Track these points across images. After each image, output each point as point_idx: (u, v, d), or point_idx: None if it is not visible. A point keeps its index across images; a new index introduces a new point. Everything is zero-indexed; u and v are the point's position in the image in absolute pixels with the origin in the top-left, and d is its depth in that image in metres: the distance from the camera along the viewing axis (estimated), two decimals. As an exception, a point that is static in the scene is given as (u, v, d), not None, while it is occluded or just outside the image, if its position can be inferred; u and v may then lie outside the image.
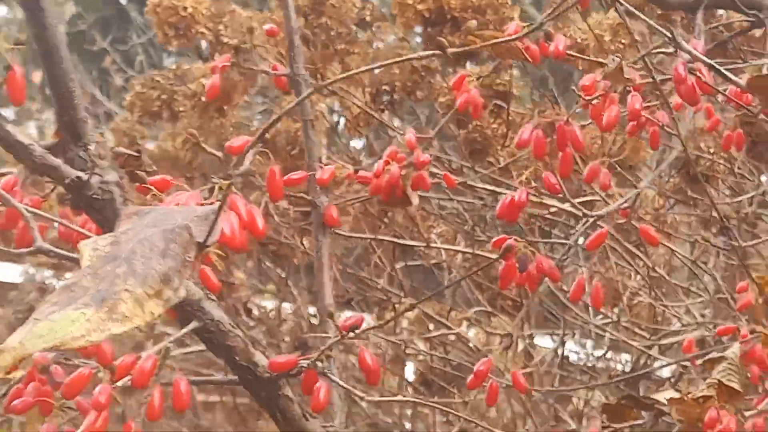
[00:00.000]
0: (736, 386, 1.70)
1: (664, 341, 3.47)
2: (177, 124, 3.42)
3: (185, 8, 3.30)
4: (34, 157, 1.29)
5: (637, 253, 3.71)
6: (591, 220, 1.69)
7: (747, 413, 1.78)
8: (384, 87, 3.82)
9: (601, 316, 3.71)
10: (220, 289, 1.42)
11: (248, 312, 3.63)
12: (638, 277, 3.77)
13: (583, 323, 3.75)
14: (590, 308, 3.84)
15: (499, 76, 3.87)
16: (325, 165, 1.67)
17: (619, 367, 3.97)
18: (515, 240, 1.62)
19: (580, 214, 1.68)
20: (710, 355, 1.84)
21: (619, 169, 3.89)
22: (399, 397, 3.29)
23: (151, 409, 1.21)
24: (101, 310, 0.87)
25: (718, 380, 1.71)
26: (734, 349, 1.76)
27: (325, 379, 1.36)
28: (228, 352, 1.38)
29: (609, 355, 3.97)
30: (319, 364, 1.34)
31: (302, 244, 3.81)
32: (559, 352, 3.83)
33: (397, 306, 4.05)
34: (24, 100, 1.25)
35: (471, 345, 3.84)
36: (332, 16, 3.66)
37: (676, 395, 1.78)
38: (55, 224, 1.43)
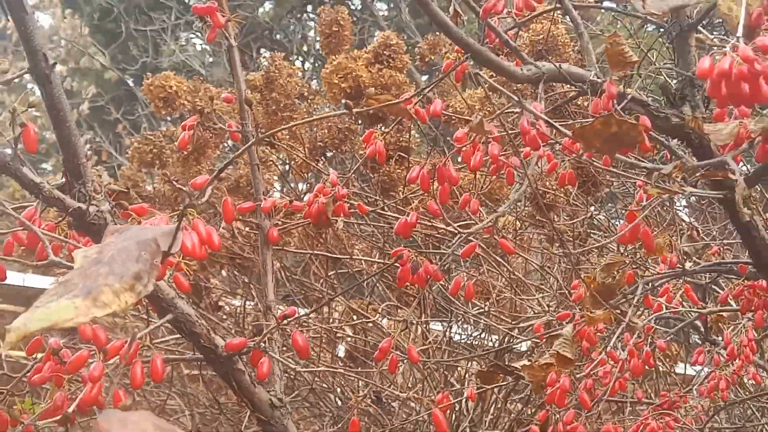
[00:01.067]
0: (569, 355, 1.68)
1: (522, 325, 3.46)
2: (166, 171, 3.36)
3: (171, 86, 3.26)
4: (44, 192, 1.24)
5: (502, 261, 3.72)
6: (464, 236, 1.66)
7: (578, 375, 1.76)
8: (319, 143, 3.79)
9: (477, 308, 3.71)
10: (190, 290, 1.37)
11: (219, 308, 3.56)
12: (503, 278, 3.78)
13: (464, 313, 3.73)
14: (469, 301, 3.86)
15: (402, 136, 3.87)
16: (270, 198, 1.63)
17: (490, 344, 3.94)
18: (408, 251, 1.59)
19: (456, 232, 1.65)
20: (548, 333, 1.82)
21: (489, 200, 3.90)
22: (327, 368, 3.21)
23: (133, 379, 1.17)
24: (87, 300, 0.85)
25: (557, 351, 1.69)
26: (568, 329, 1.74)
27: (266, 356, 1.32)
28: (195, 337, 1.34)
29: (483, 335, 3.96)
30: (261, 344, 1.30)
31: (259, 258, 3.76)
32: (447, 334, 3.80)
33: (330, 302, 4.06)
34: (36, 148, 1.20)
35: (384, 330, 3.82)
36: (280, 92, 3.62)
37: (528, 363, 1.76)
38: (66, 243, 1.38)
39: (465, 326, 4.12)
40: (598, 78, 1.67)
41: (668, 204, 2.94)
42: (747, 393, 2.89)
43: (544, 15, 2.13)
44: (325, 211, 1.83)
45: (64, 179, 1.30)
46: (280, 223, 2.17)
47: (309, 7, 12.20)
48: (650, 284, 1.96)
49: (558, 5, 1.82)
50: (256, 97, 3.70)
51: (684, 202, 5.15)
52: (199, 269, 4.03)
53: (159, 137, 3.31)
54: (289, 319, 1.29)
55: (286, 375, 3.59)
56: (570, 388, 1.66)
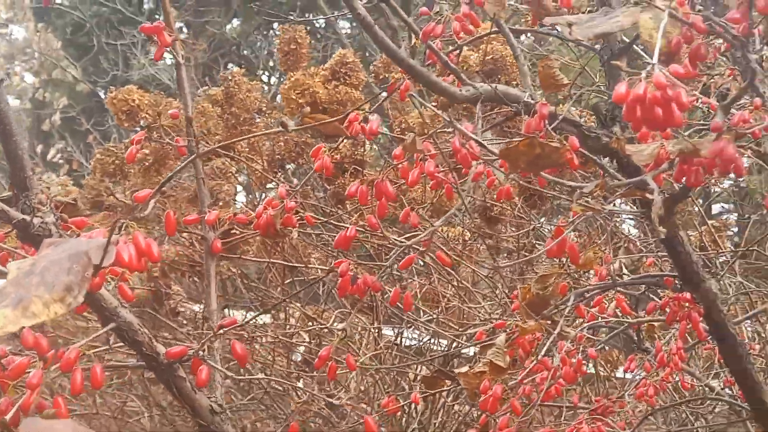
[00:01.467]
0: (501, 364, 1.69)
1: (468, 332, 3.46)
2: (127, 182, 3.34)
3: (134, 100, 3.24)
4: (-12, 204, 1.22)
5: (451, 271, 3.73)
6: (401, 248, 1.66)
7: (511, 383, 1.77)
8: (277, 156, 3.78)
9: (427, 315, 3.72)
10: (133, 299, 1.36)
11: (177, 314, 3.54)
12: (452, 287, 3.79)
13: (415, 320, 3.74)
14: (420, 309, 3.87)
15: (358, 150, 3.87)
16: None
17: (440, 348, 3.94)
18: (348, 262, 1.59)
19: (395, 244, 1.65)
20: (484, 342, 1.82)
21: (439, 212, 3.91)
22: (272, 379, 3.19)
23: (73, 386, 1.15)
24: (17, 309, 0.84)
25: (490, 360, 1.69)
26: (501, 339, 1.74)
27: (205, 364, 1.31)
28: (137, 345, 1.33)
29: (432, 341, 3.96)
30: (200, 353, 1.29)
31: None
32: (399, 339, 3.81)
33: (284, 307, 4.05)
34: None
35: (338, 334, 3.82)
36: (239, 106, 3.61)
37: (463, 371, 1.76)
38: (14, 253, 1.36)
39: (415, 332, 4.12)
40: (531, 99, 1.68)
41: (609, 217, 2.97)
42: (682, 398, 2.92)
43: (487, 37, 2.13)
44: (274, 223, 1.83)
45: (10, 192, 1.29)
46: (238, 232, 2.16)
47: (275, 25, 12.18)
48: (582, 295, 1.97)
49: (495, 30, 1.83)
50: (216, 111, 3.69)
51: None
52: (161, 276, 4.00)
53: (121, 149, 3.29)
54: (227, 328, 1.28)
55: (240, 379, 3.59)
56: (502, 395, 1.66)
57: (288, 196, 1.86)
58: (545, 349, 1.80)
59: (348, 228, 1.56)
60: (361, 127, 1.70)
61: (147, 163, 3.16)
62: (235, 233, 3.30)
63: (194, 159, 1.47)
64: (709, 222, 3.92)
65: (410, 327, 3.97)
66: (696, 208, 4.05)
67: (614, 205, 1.48)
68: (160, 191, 1.24)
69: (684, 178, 1.35)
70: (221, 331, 1.27)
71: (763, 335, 3.35)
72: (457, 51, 1.94)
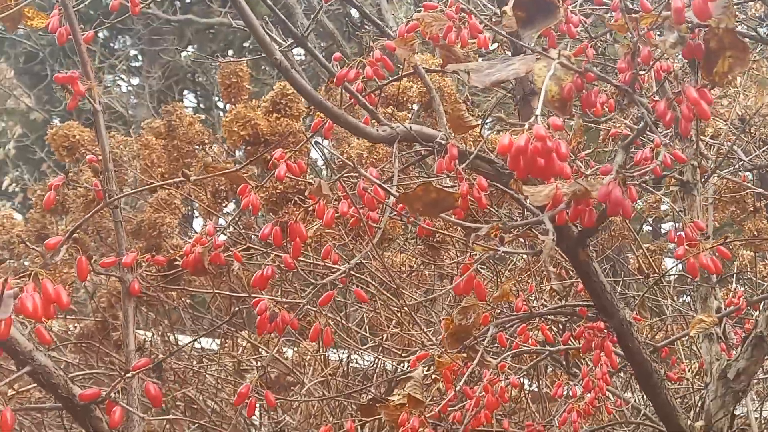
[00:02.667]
0: (419, 397, 1.72)
1: (410, 357, 3.49)
2: (67, 217, 3.35)
3: (74, 136, 3.25)
4: None
5: (393, 299, 3.78)
6: (318, 285, 1.70)
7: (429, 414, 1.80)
8: (221, 188, 3.81)
9: (372, 342, 3.77)
10: (52, 342, 1.38)
11: (121, 345, 3.54)
12: (395, 314, 3.83)
13: (359, 347, 3.78)
14: (367, 334, 3.93)
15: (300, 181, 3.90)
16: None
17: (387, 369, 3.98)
18: (267, 301, 1.62)
19: (312, 282, 1.68)
20: (402, 376, 1.86)
21: (383, 239, 3.96)
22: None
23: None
24: None
25: (408, 393, 1.73)
26: (418, 372, 1.78)
27: (119, 405, 1.33)
28: (53, 388, 1.35)
29: (377, 365, 3.99)
30: (112, 395, 1.32)
31: (164, 298, 3.77)
32: (345, 364, 3.85)
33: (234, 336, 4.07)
34: None
35: (284, 362, 3.85)
36: (181, 139, 3.63)
37: (384, 403, 1.79)
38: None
39: (363, 356, 4.16)
40: (444, 140, 1.73)
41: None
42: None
43: (408, 77, 2.18)
44: (202, 260, 1.86)
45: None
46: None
47: (230, 51, 12.21)
48: (502, 325, 2.02)
49: (412, 71, 1.88)
50: (160, 143, 3.71)
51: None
52: (107, 307, 4.00)
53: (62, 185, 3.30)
54: (139, 371, 1.31)
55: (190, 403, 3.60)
56: (419, 428, 1.69)
57: (216, 233, 1.90)
58: (464, 378, 1.84)
59: (265, 268, 1.60)
60: (287, 165, 1.74)
61: (88, 199, 3.18)
62: (177, 265, 3.32)
63: (109, 206, 1.50)
64: (644, 246, 4.01)
65: (356, 353, 4.01)
66: (633, 233, 4.15)
67: (512, 246, 1.52)
68: (71, 238, 1.27)
69: (578, 218, 1.40)
70: (138, 372, 1.30)
71: (699, 355, 3.42)
72: (379, 92, 1.99)
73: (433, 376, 2.17)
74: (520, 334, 2.25)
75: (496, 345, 2.29)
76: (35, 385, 1.48)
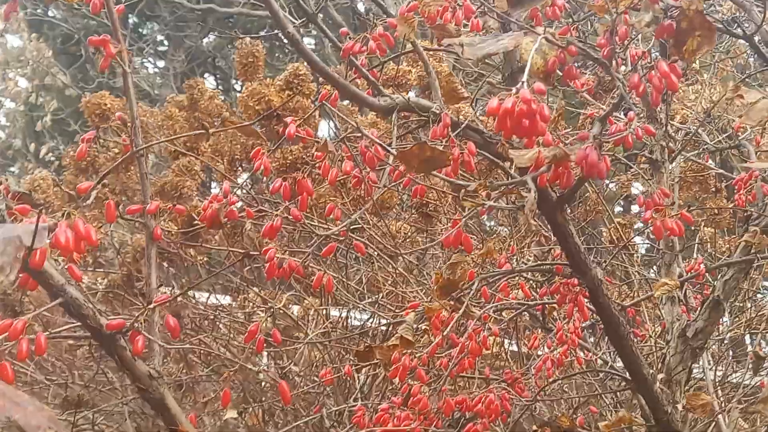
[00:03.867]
0: (410, 338, 1.73)
1: (403, 313, 3.51)
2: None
3: (105, 104, 3.24)
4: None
5: (389, 260, 3.79)
6: (322, 237, 1.70)
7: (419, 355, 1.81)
8: (236, 156, 3.80)
9: (370, 299, 3.79)
10: (81, 279, 1.38)
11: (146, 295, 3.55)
12: (390, 274, 3.85)
13: (358, 302, 3.79)
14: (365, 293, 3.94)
15: (309, 151, 3.90)
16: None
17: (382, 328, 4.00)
18: (275, 248, 1.63)
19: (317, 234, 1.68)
20: (396, 321, 1.87)
21: (381, 207, 3.97)
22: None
23: (19, 353, 1.18)
24: None
25: (401, 335, 1.74)
26: (410, 317, 1.79)
27: (142, 335, 1.34)
28: (83, 318, 1.36)
29: (374, 321, 4.02)
30: (136, 324, 1.33)
31: (185, 254, 3.77)
32: (345, 320, 3.87)
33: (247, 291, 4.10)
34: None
35: (291, 316, 3.87)
36: (202, 112, 3.62)
37: (379, 345, 1.81)
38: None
39: (361, 314, 4.17)
40: (438, 110, 1.73)
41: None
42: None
43: (404, 55, 2.18)
44: (218, 215, 1.86)
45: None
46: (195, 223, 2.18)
47: (247, 39, 12.13)
48: (486, 280, 2.03)
49: (411, 50, 1.88)
50: (182, 115, 3.70)
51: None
52: (132, 262, 4.00)
53: (93, 147, 3.30)
54: (156, 304, 1.32)
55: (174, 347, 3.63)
56: (410, 366, 1.71)
57: (231, 192, 1.90)
58: (451, 326, 1.85)
59: (274, 219, 1.60)
60: (296, 130, 1.74)
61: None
62: (196, 224, 3.32)
63: (137, 155, 1.50)
64: (616, 220, 4.01)
65: (355, 309, 4.02)
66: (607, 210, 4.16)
67: (498, 202, 1.53)
68: (101, 183, 1.27)
69: (557, 180, 1.41)
70: (159, 305, 1.31)
71: (661, 317, 3.44)
72: (380, 67, 1.99)
73: (424, 327, 2.18)
74: (502, 291, 2.26)
75: (481, 301, 2.31)
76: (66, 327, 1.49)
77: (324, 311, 3.90)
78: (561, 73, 1.39)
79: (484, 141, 1.82)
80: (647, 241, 4.18)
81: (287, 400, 1.52)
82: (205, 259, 4.32)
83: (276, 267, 1.60)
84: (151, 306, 1.30)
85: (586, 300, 2.06)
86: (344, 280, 3.94)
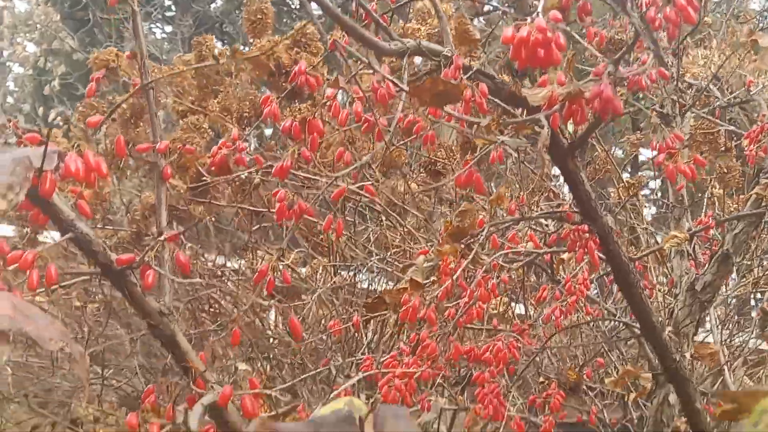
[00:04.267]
0: (419, 280, 1.72)
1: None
2: (106, 127, 3.32)
3: (113, 60, 3.22)
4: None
5: (399, 219, 3.78)
6: (332, 179, 1.68)
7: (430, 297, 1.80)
8: (244, 113, 3.77)
9: (378, 256, 3.78)
10: (92, 216, 1.37)
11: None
12: (399, 232, 3.85)
13: (366, 261, 3.79)
14: (373, 251, 3.94)
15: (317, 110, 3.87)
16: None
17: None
18: (285, 191, 1.61)
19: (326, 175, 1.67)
20: (406, 264, 1.86)
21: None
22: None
23: (30, 283, 1.17)
24: None
25: (410, 277, 1.72)
26: (420, 260, 1.78)
27: (152, 269, 1.33)
28: (93, 254, 1.34)
29: (381, 278, 4.02)
30: (146, 259, 1.31)
31: (193, 211, 3.76)
32: (354, 277, 3.87)
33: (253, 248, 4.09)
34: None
35: (300, 274, 3.88)
36: (210, 68, 3.59)
37: (388, 289, 1.80)
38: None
39: (368, 274, 4.18)
40: (450, 53, 1.70)
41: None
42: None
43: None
44: (227, 161, 1.85)
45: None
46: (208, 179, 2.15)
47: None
48: (496, 227, 2.01)
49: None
50: (191, 72, 3.67)
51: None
52: (141, 219, 3.99)
53: (102, 104, 3.28)
54: (163, 238, 1.31)
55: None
56: (418, 308, 1.69)
57: (240, 138, 1.88)
58: (459, 271, 1.83)
59: (284, 158, 1.58)
60: (305, 78, 1.72)
61: (125, 117, 3.15)
62: (205, 180, 3.30)
63: (145, 90, 1.48)
64: (626, 179, 3.99)
65: (364, 267, 4.02)
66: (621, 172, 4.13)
67: (509, 137, 1.51)
68: (109, 117, 1.25)
69: (571, 118, 1.38)
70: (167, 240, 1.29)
71: (670, 274, 3.42)
72: (391, 14, 1.96)
73: (432, 279, 2.17)
74: (512, 242, 2.24)
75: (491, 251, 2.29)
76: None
77: (332, 268, 3.90)
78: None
79: (495, 87, 1.79)
80: (658, 193, 4.14)
81: (298, 334, 1.51)
82: (213, 219, 4.31)
83: (286, 208, 1.58)
84: (162, 238, 1.28)
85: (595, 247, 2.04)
86: (353, 237, 3.93)
